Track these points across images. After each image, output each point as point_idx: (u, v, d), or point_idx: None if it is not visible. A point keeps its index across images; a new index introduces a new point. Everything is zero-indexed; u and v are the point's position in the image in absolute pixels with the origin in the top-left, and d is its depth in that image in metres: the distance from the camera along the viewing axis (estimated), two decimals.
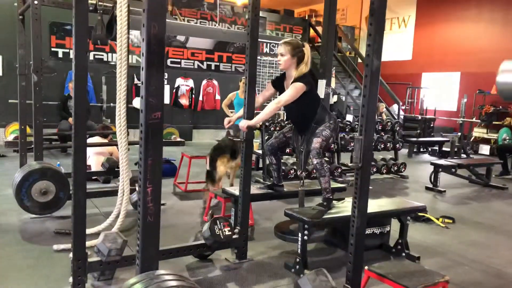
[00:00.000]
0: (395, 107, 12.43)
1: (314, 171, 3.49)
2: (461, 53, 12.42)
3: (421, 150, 10.63)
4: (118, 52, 3.02)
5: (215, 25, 11.99)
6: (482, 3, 12.01)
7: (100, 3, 4.41)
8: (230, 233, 3.11)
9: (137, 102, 8.83)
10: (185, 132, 10.51)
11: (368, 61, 2.22)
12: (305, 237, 3.06)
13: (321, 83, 7.19)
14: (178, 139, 8.96)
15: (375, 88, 2.25)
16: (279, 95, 3.57)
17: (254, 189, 3.78)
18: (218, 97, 10.85)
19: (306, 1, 15.26)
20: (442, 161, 6.64)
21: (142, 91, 1.58)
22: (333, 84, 10.04)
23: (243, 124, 3.19)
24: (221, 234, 3.03)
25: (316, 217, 3.09)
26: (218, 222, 3.07)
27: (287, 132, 3.75)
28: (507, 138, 10.37)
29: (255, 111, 3.29)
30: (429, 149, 10.46)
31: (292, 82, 3.39)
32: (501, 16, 11.55)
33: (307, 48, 3.45)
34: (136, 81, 9.79)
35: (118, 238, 2.65)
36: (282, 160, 6.42)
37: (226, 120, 3.54)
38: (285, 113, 4.03)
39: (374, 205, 3.58)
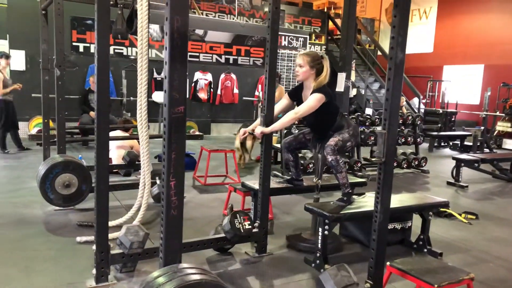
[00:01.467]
0: (415, 100, 12.23)
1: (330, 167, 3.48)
2: (484, 45, 12.12)
3: (442, 144, 10.45)
4: (139, 46, 3.04)
5: (233, 19, 11.97)
6: None
7: None
8: (250, 227, 3.11)
9: (156, 96, 8.90)
10: (203, 126, 10.55)
11: (392, 54, 2.17)
12: (326, 232, 3.04)
13: (341, 76, 7.13)
14: (197, 133, 9.01)
15: (399, 82, 2.20)
16: (296, 105, 3.58)
17: (273, 183, 3.78)
18: (236, 90, 10.85)
19: None
20: (465, 156, 6.50)
21: (165, 86, 1.58)
22: (353, 77, 9.92)
23: (258, 130, 3.23)
24: (241, 227, 3.04)
25: (336, 212, 3.07)
26: (238, 215, 3.07)
27: (307, 133, 3.73)
28: None
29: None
30: (451, 143, 10.27)
31: (311, 93, 3.38)
32: None
33: (326, 60, 3.44)
34: (155, 75, 9.87)
35: (140, 231, 2.68)
36: (300, 154, 6.43)
37: (242, 131, 3.57)
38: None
39: (395, 200, 3.54)
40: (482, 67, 12.30)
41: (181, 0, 1.55)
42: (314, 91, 3.36)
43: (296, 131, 6.37)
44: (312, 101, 3.33)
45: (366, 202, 3.46)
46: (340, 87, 7.04)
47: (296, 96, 3.62)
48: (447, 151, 9.98)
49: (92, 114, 7.92)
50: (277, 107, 3.60)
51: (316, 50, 12.84)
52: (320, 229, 3.06)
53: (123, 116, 8.28)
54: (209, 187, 5.46)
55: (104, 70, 2.37)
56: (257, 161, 7.15)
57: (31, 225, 3.72)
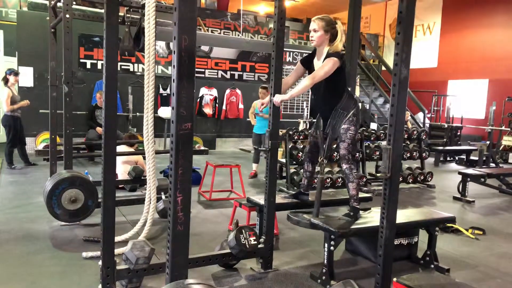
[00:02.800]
0: (420, 115, 12.25)
1: (343, 176, 3.43)
2: (488, 60, 12.16)
3: (448, 159, 10.40)
4: (146, 63, 3.08)
5: (238, 35, 12.11)
6: (510, 8, 11.75)
7: (127, 15, 4.54)
8: (255, 242, 3.11)
9: (162, 112, 8.97)
10: (208, 141, 10.60)
11: (396, 71, 2.20)
12: (332, 248, 3.03)
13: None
14: (202, 148, 9.04)
15: (404, 98, 2.22)
16: (308, 74, 3.46)
17: (279, 199, 3.77)
18: (241, 106, 10.91)
19: (329, 10, 15.24)
20: (471, 170, 6.48)
21: (173, 103, 1.61)
22: (357, 93, 9.97)
23: (277, 98, 3.09)
24: (246, 243, 3.04)
25: (343, 228, 3.06)
26: (243, 231, 3.08)
27: (313, 132, 3.70)
28: None
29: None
30: (456, 158, 10.23)
31: (325, 58, 3.30)
32: None
33: (340, 25, 3.38)
34: (161, 90, 9.96)
35: (146, 246, 2.69)
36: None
37: (259, 102, 3.42)
38: (310, 98, 3.96)
39: (402, 215, 3.52)
40: (487, 82, 12.32)
41: (189, 20, 1.58)
42: (328, 55, 3.29)
43: (303, 146, 6.39)
44: (328, 65, 3.22)
45: (372, 217, 3.44)
46: None
47: (309, 63, 3.56)
48: (453, 165, 9.94)
49: (99, 129, 7.99)
50: (291, 77, 3.58)
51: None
52: (326, 245, 3.05)
53: (128, 131, 8.35)
54: (214, 202, 5.46)
55: (112, 87, 2.41)
56: (251, 177, 7.18)
57: (38, 241, 3.74)
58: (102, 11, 5.19)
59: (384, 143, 7.40)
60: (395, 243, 3.41)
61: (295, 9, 14.26)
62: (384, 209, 2.32)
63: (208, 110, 10.65)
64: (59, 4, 4.76)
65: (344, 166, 3.33)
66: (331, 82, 3.33)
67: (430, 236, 3.55)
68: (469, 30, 12.81)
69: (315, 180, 5.63)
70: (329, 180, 6.01)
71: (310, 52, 3.63)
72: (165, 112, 9.26)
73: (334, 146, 3.83)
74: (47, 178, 4.93)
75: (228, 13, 12.60)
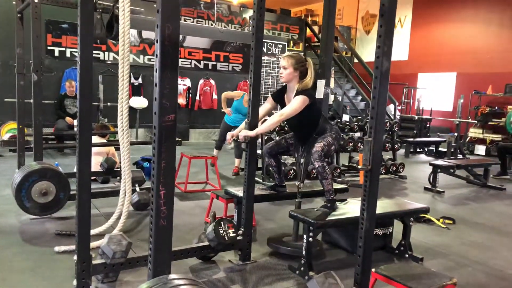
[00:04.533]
0: (391, 107, 12.46)
1: (315, 173, 3.48)
2: (457, 54, 12.47)
3: (418, 150, 10.67)
4: (120, 53, 2.99)
5: (212, 24, 11.95)
6: (478, 4, 12.07)
7: (99, 1, 4.38)
8: (234, 234, 3.09)
9: (134, 102, 8.77)
10: (182, 132, 10.47)
11: (378, 63, 2.20)
12: (310, 239, 3.04)
13: (320, 83, 7.17)
14: (177, 139, 8.88)
15: (385, 90, 2.24)
16: (280, 108, 3.57)
17: (257, 190, 3.76)
18: (215, 96, 10.81)
19: (302, 1, 15.25)
20: (441, 162, 6.66)
21: (156, 93, 1.55)
22: (332, 85, 10.03)
23: (244, 134, 3.17)
24: (225, 236, 3.01)
25: (321, 219, 3.08)
26: (222, 223, 3.05)
27: (289, 138, 3.73)
28: None
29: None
30: (426, 149, 10.50)
31: (295, 95, 3.39)
32: (497, 16, 11.62)
33: (309, 63, 3.45)
34: (133, 80, 9.74)
35: (123, 240, 2.62)
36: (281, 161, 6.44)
37: (229, 135, 3.48)
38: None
39: (378, 207, 3.57)
40: (455, 75, 12.65)
41: (173, 7, 1.53)
42: (298, 93, 3.36)
43: (277, 137, 6.38)
44: (296, 103, 3.31)
45: (349, 208, 3.49)
46: (319, 93, 7.09)
47: (280, 98, 3.61)
48: (423, 156, 10.20)
49: (68, 119, 7.74)
50: (261, 111, 3.59)
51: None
52: (304, 236, 3.06)
53: (99, 122, 8.14)
54: (189, 194, 5.40)
55: (87, 77, 2.31)
56: (235, 174, 6.93)
57: (6, 235, 3.59)
58: None
59: (357, 134, 7.49)
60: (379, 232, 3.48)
61: None
62: (365, 201, 2.34)
63: (181, 100, 10.50)
64: None
65: (317, 164, 3.35)
66: (304, 117, 3.43)
67: (404, 226, 3.63)
68: (438, 24, 13.09)
69: (290, 171, 5.67)
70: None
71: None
72: (137, 102, 9.06)
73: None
74: (13, 170, 4.75)
75: (201, 2, 12.39)
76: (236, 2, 15.08)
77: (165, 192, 1.60)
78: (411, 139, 10.12)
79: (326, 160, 3.45)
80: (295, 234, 3.52)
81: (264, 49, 11.42)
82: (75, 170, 4.87)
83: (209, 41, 10.63)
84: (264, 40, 11.69)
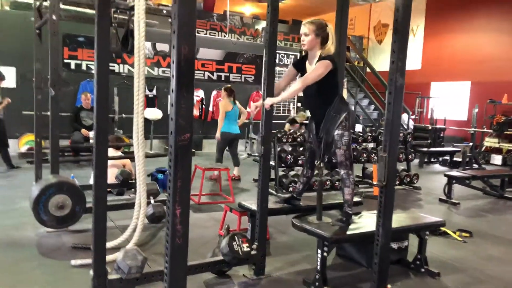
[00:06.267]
0: (404, 117, 12.37)
1: (339, 181, 3.45)
2: (471, 62, 12.37)
3: (432, 160, 10.55)
4: (136, 66, 3.03)
5: (224, 36, 12.06)
6: (491, 12, 11.98)
7: (114, 15, 4.46)
8: (248, 249, 3.09)
9: (147, 113, 8.87)
10: (195, 143, 10.53)
11: (392, 78, 2.20)
12: (325, 254, 3.03)
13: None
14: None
15: (399, 105, 2.23)
16: (300, 77, 3.46)
17: (271, 203, 3.75)
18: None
19: (314, 11, 15.30)
20: (456, 172, 6.57)
21: (172, 113, 1.58)
22: (345, 95, 10.01)
23: (269, 102, 3.09)
24: (239, 250, 3.01)
25: (337, 234, 3.06)
26: (236, 238, 3.05)
27: (308, 138, 3.71)
28: None
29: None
30: (440, 159, 10.38)
31: (317, 61, 3.31)
32: (510, 24, 11.50)
33: (330, 28, 3.38)
34: (147, 92, 9.85)
35: (138, 255, 2.64)
36: (293, 172, 6.43)
37: (253, 106, 3.36)
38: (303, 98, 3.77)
39: (393, 221, 3.55)
40: (469, 84, 12.52)
41: (188, 27, 1.55)
42: (321, 58, 3.29)
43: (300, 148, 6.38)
44: (320, 67, 3.22)
45: (364, 222, 3.45)
46: None
47: (301, 67, 3.54)
48: (437, 167, 10.08)
49: (84, 131, 7.85)
50: (283, 79, 3.57)
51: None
52: (319, 251, 3.04)
53: (114, 133, 8.23)
54: (203, 206, 5.42)
55: (103, 90, 2.37)
56: (234, 179, 6.90)
57: (23, 248, 3.65)
58: (88, 11, 5.05)
59: (371, 145, 7.44)
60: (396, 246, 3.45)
61: (281, 10, 14.22)
62: (380, 217, 2.32)
63: (194, 112, 10.57)
64: (45, 4, 4.65)
65: (342, 171, 3.34)
66: (324, 85, 3.32)
67: (420, 240, 3.58)
68: (451, 34, 13.01)
69: (315, 183, 5.66)
70: (329, 182, 6.08)
71: (299, 54, 3.64)
72: (152, 113, 9.18)
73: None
74: (31, 182, 4.82)
75: (214, 14, 12.54)
76: (248, 13, 15.22)
77: (181, 211, 1.61)
78: (425, 149, 10.00)
79: (351, 164, 3.38)
80: (319, 213, 3.41)
81: (277, 60, 11.48)
82: (90, 182, 4.95)
83: (222, 53, 10.73)
84: (277, 51, 11.75)
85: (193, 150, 7.70)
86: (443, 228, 4.53)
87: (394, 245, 3.66)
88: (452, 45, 13.00)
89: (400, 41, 2.19)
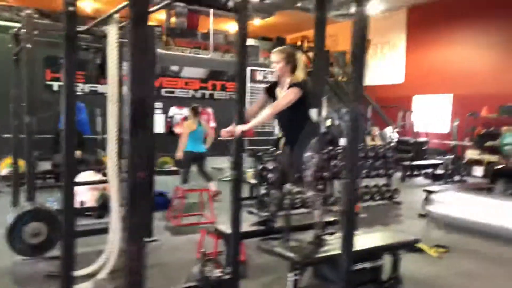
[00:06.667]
0: (388, 130, 12.52)
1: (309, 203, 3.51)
2: (452, 76, 12.59)
3: (415, 173, 10.65)
4: (109, 92, 3.11)
5: (208, 55, 12.17)
6: (472, 27, 12.24)
7: (91, 44, 4.52)
8: (220, 274, 3.11)
9: None
10: (180, 161, 10.51)
11: (351, 106, 2.27)
12: (296, 277, 3.06)
13: (312, 112, 7.28)
14: (173, 168, 8.96)
15: (357, 132, 2.31)
16: (272, 102, 3.57)
17: (246, 226, 3.79)
18: (213, 124, 10.91)
19: (298, 28, 15.53)
20: (434, 187, 6.67)
21: (127, 151, 1.63)
22: (324, 113, 10.09)
23: (239, 128, 3.12)
24: (210, 276, 3.04)
25: (307, 257, 3.10)
26: (208, 263, 3.08)
27: (279, 159, 3.79)
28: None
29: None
30: (423, 172, 10.50)
31: (288, 88, 3.43)
32: (490, 38, 11.78)
33: (299, 56, 3.53)
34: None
35: (108, 286, 2.65)
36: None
37: (223, 131, 3.37)
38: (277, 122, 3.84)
39: (367, 240, 3.61)
40: (451, 97, 12.75)
41: (142, 73, 1.61)
42: (290, 86, 3.41)
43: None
44: (288, 95, 3.35)
45: (336, 242, 3.49)
46: None
47: (272, 92, 3.65)
48: (420, 180, 10.19)
49: None
50: (255, 105, 3.67)
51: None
52: (289, 274, 3.08)
53: (97, 155, 8.23)
54: (183, 228, 5.42)
55: (71, 112, 2.41)
56: (214, 196, 6.76)
57: None
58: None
59: None
60: (359, 268, 3.47)
61: (265, 27, 14.46)
62: (343, 241, 2.37)
63: (179, 130, 10.59)
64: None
65: (310, 193, 3.40)
66: (295, 111, 3.44)
67: (394, 260, 3.64)
68: (433, 47, 13.26)
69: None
70: (299, 200, 6.09)
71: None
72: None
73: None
74: (9, 208, 4.80)
75: (198, 33, 12.67)
76: (233, 30, 15.37)
77: (136, 248, 1.64)
78: (407, 163, 10.12)
79: (319, 187, 3.47)
80: (286, 236, 3.47)
81: (260, 77, 11.60)
82: None
83: (205, 71, 10.83)
84: (260, 69, 11.88)
85: (178, 168, 7.73)
86: (418, 245, 4.60)
87: (367, 265, 3.70)
88: (434, 58, 13.25)
89: (357, 71, 2.27)
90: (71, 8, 2.32)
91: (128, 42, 1.58)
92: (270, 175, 6.25)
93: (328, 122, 12.48)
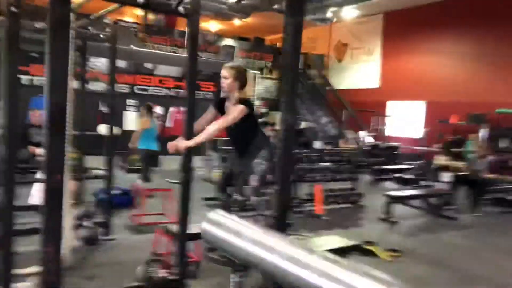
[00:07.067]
0: (362, 133, 12.73)
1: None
2: (426, 83, 12.85)
3: (385, 177, 10.86)
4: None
5: (182, 53, 12.16)
6: (445, 36, 12.51)
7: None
8: (165, 274, 3.16)
9: (101, 129, 8.81)
10: (153, 159, 10.49)
11: (282, 118, 2.34)
12: (239, 279, 3.12)
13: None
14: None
15: (291, 142, 2.39)
16: (220, 116, 3.69)
17: (195, 227, 3.84)
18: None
19: (276, 29, 15.58)
20: (395, 192, 6.84)
21: (44, 157, 1.67)
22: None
23: (182, 144, 3.13)
24: (153, 276, 3.08)
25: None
26: (151, 263, 3.13)
27: (232, 165, 3.88)
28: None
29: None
30: (393, 176, 10.70)
31: (234, 104, 3.54)
32: (463, 48, 12.07)
33: (249, 73, 3.64)
34: (102, 108, 9.81)
35: None
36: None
37: (170, 144, 3.39)
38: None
39: (314, 244, 3.71)
40: (424, 103, 13.01)
41: (60, 80, 1.65)
42: (237, 103, 3.51)
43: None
44: (234, 112, 3.46)
45: None
46: (279, 125, 7.27)
47: (220, 107, 3.75)
48: (389, 184, 10.38)
49: (31, 148, 7.74)
50: (203, 119, 3.74)
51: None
52: (232, 276, 3.13)
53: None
54: (144, 227, 5.43)
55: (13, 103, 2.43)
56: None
57: None
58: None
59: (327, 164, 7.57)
60: None
61: (243, 27, 14.51)
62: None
63: None
64: None
65: (253, 198, 3.48)
66: (242, 127, 3.58)
67: None
68: (408, 54, 13.53)
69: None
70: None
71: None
72: (105, 129, 9.14)
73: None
74: None
75: (175, 30, 12.65)
76: (214, 29, 15.39)
77: (53, 248, 1.69)
78: (377, 167, 10.32)
79: (264, 192, 3.56)
80: None
81: None
82: (30, 201, 4.93)
83: (180, 70, 10.83)
84: None
85: (152, 167, 7.73)
86: (370, 247, 4.74)
87: None
88: (409, 65, 13.51)
89: (290, 83, 2.34)
90: (13, 9, 2.33)
91: (47, 49, 1.63)
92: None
93: (303, 125, 12.66)
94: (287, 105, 2.32)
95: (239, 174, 3.70)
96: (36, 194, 5.84)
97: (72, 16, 3.51)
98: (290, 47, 2.25)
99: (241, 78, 3.59)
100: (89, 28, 4.39)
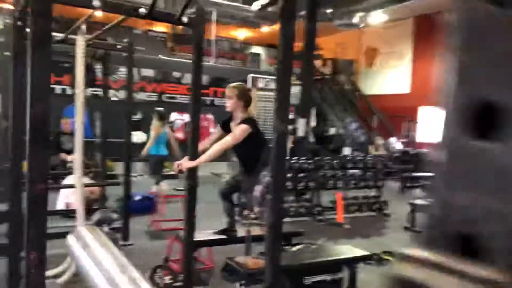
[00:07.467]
0: (392, 140, 12.43)
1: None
2: None
3: (414, 185, 10.53)
4: (77, 97, 3.25)
5: (208, 61, 12.34)
6: None
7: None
8: (171, 281, 3.19)
9: (134, 136, 9.07)
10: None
11: (275, 125, 2.32)
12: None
13: (301, 122, 7.34)
14: (172, 172, 9.05)
15: (283, 150, 2.36)
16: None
17: (208, 234, 3.86)
18: (212, 130, 11.06)
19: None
20: (420, 201, 6.60)
21: (27, 166, 1.72)
22: (313, 123, 10.06)
23: (185, 165, 3.15)
24: (160, 283, 3.12)
25: (252, 269, 3.15)
26: (158, 270, 3.16)
27: (237, 176, 3.88)
28: None
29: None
30: (422, 184, 10.36)
31: (238, 124, 3.55)
32: None
33: (252, 93, 3.63)
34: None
35: None
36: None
37: (176, 164, 3.42)
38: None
39: (326, 252, 3.66)
40: None
41: (42, 88, 1.71)
42: (240, 122, 3.53)
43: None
44: (238, 132, 3.48)
45: (292, 254, 3.55)
46: (300, 132, 7.23)
47: (226, 127, 3.78)
48: (418, 192, 10.05)
49: (62, 155, 8.03)
50: (209, 140, 3.77)
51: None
52: (236, 284, 3.13)
53: (95, 159, 8.40)
54: (164, 232, 5.50)
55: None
56: None
57: None
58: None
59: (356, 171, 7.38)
60: (319, 279, 3.52)
61: (271, 35, 14.51)
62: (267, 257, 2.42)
63: (179, 135, 10.78)
64: None
65: (256, 209, 3.46)
66: (248, 146, 3.57)
67: (351, 273, 3.65)
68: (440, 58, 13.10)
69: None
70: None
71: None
72: (136, 136, 9.42)
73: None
74: None
75: (203, 39, 12.83)
76: (242, 37, 15.52)
77: (36, 255, 1.74)
78: (406, 174, 10.03)
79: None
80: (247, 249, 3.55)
81: (262, 85, 11.68)
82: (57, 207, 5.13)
83: (207, 78, 10.98)
84: (262, 76, 11.96)
85: (174, 173, 7.88)
86: (388, 257, 4.60)
87: (328, 277, 3.73)
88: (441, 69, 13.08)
89: (283, 91, 2.32)
90: (19, 23, 2.43)
91: (29, 63, 1.68)
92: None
93: (332, 131, 12.50)
94: (279, 113, 2.29)
95: (244, 191, 3.72)
96: (61, 200, 6.08)
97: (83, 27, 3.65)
98: (282, 55, 2.23)
99: (244, 97, 3.60)
100: (107, 38, 4.53)
